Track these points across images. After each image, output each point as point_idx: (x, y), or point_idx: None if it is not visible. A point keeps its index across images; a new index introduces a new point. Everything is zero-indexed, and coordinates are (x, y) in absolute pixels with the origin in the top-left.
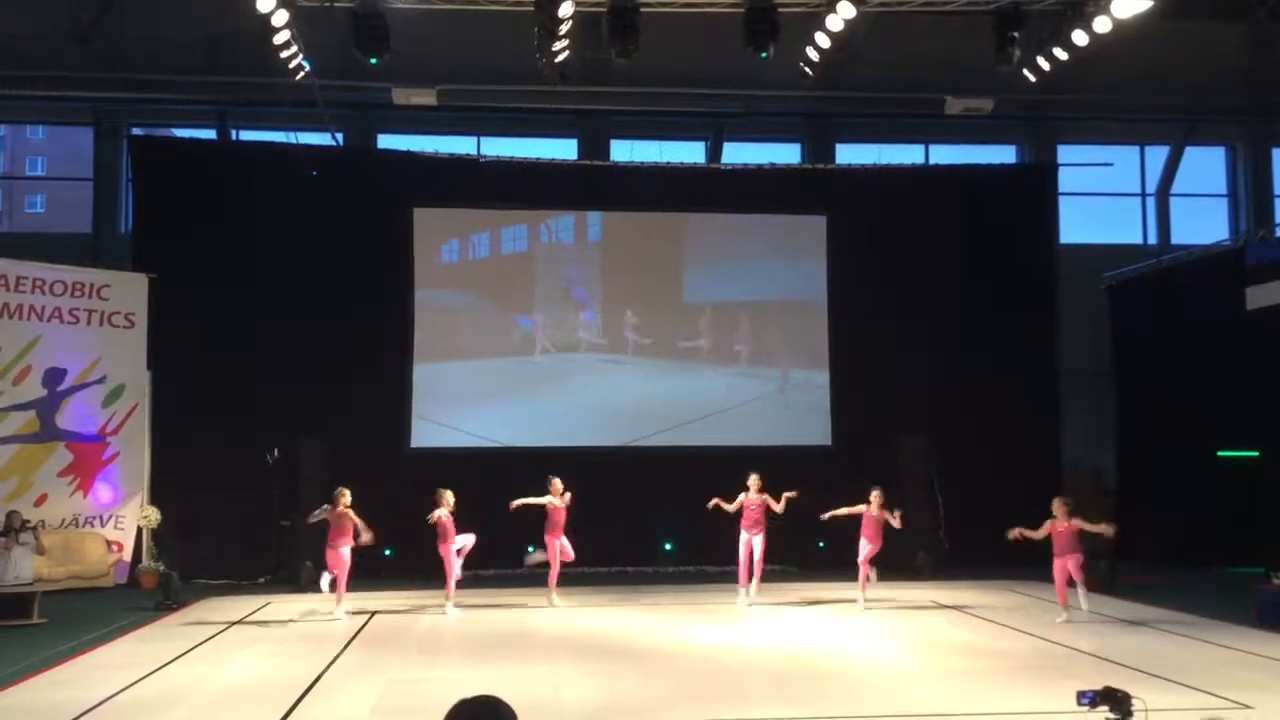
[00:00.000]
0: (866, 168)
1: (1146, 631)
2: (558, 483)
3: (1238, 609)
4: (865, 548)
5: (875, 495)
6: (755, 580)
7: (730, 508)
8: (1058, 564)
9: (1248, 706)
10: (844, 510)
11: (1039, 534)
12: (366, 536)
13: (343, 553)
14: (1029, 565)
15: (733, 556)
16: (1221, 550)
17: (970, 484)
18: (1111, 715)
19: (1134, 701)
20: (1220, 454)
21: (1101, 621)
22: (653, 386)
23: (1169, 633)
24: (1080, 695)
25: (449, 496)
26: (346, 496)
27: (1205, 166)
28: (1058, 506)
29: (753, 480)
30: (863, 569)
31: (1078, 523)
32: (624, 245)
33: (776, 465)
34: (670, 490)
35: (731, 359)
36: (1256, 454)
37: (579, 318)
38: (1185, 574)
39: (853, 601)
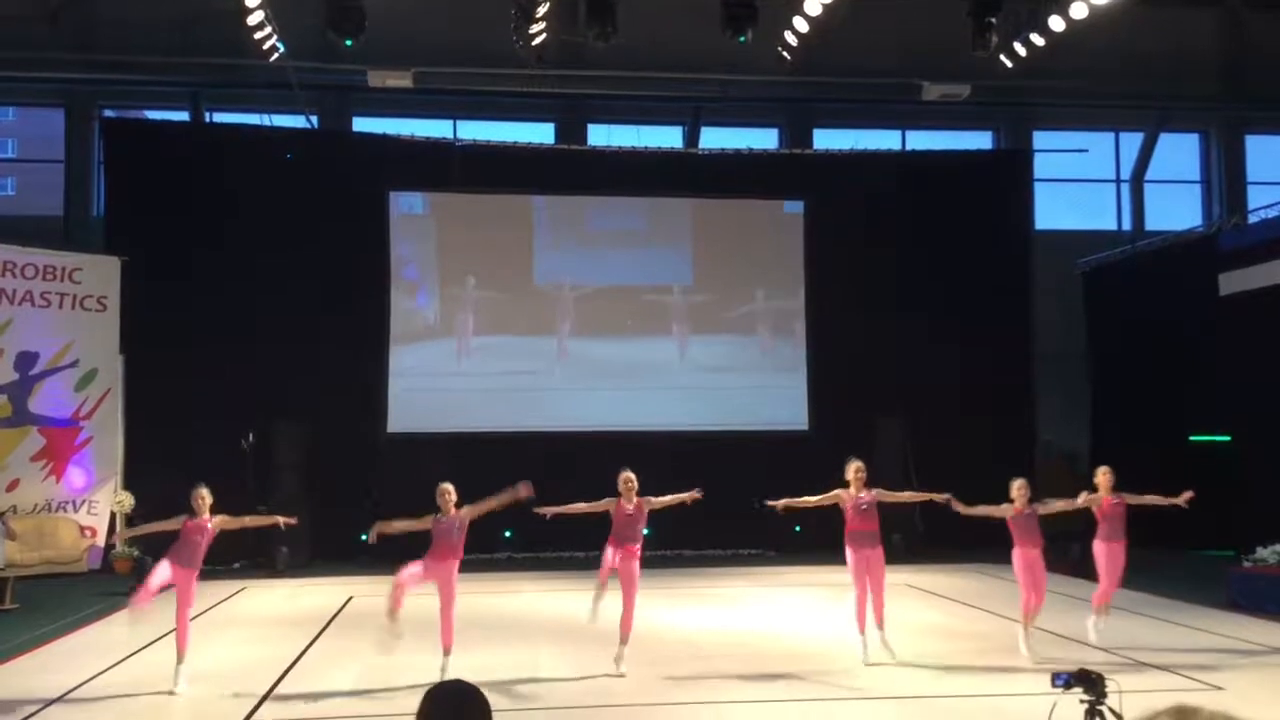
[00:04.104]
0: (844, 153)
1: (1119, 614)
2: (626, 477)
3: (1210, 591)
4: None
5: (1020, 487)
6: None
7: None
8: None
9: (1219, 688)
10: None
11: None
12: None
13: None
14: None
15: (707, 540)
16: (1193, 533)
17: (944, 468)
18: (1085, 697)
19: (1108, 683)
20: (1192, 438)
21: (1074, 604)
22: (631, 371)
23: (1142, 615)
24: (1055, 677)
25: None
26: (206, 497)
27: (1179, 153)
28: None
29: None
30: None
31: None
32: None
33: (754, 448)
34: (644, 475)
35: (707, 341)
36: (1228, 438)
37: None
38: (1157, 557)
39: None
